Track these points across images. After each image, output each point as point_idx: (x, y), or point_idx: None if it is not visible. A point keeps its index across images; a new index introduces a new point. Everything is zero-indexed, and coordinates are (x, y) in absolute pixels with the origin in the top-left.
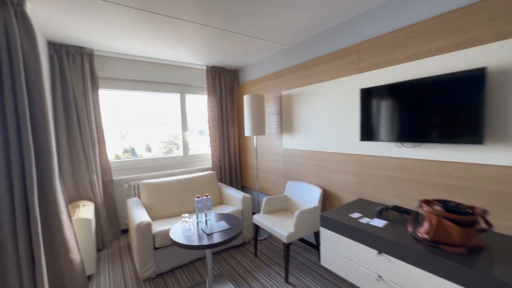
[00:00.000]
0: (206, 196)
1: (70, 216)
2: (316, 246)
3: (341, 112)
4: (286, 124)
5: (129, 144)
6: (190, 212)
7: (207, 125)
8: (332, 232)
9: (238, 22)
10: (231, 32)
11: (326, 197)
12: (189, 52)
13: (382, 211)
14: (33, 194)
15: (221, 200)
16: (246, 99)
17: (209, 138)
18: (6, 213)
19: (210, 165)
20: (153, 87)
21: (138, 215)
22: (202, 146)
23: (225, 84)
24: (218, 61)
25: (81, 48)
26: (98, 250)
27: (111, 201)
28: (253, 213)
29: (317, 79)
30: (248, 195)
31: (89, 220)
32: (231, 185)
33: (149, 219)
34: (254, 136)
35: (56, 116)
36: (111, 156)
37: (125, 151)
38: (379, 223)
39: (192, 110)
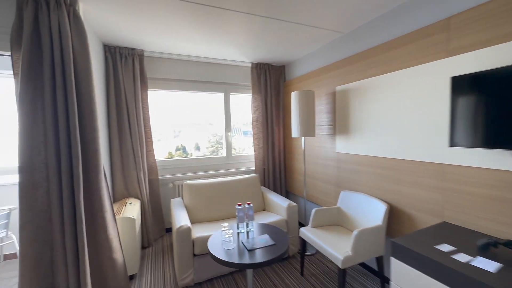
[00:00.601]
0: (248, 204)
1: (114, 215)
2: (378, 273)
3: (418, 108)
4: (340, 124)
5: (181, 143)
6: (231, 217)
7: (251, 125)
8: (409, 266)
9: (287, 8)
10: (280, 20)
11: (394, 215)
12: (235, 48)
13: (488, 246)
14: (79, 192)
15: (263, 206)
16: (294, 96)
17: (252, 139)
18: (56, 209)
19: (253, 167)
20: (198, 87)
21: (179, 217)
22: (246, 147)
23: (270, 82)
24: (264, 57)
25: (133, 49)
26: (143, 247)
27: (156, 199)
28: (299, 223)
29: (382, 69)
30: (294, 204)
31: (133, 219)
32: (274, 190)
33: (189, 223)
34: (302, 138)
35: (109, 116)
36: (164, 154)
37: (177, 149)
38: (487, 264)
39: (237, 109)
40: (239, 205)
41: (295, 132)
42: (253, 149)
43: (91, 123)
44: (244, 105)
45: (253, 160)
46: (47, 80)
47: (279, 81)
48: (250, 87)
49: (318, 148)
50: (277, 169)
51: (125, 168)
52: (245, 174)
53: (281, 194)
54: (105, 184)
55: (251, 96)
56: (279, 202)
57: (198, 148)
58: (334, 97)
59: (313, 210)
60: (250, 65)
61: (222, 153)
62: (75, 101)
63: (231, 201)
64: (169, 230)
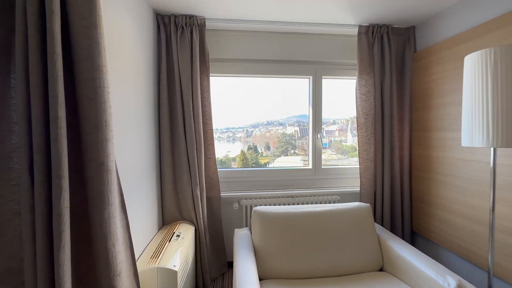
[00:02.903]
0: None
1: (134, 264)
2: None
3: None
4: None
5: (253, 142)
6: (325, 274)
7: (354, 123)
8: None
9: None
10: None
11: None
12: (333, 2)
13: None
14: (61, 218)
15: (381, 262)
16: (471, 60)
17: (356, 145)
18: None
19: (355, 188)
20: (276, 69)
21: (243, 273)
22: (327, 156)
23: (390, 54)
24: (380, 13)
25: (191, 17)
26: None
27: (216, 224)
28: None
29: None
30: None
31: (175, 272)
32: (392, 227)
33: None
34: (491, 150)
35: (160, 110)
36: (236, 152)
37: (249, 148)
38: None
39: (328, 100)
40: None
41: (468, 136)
42: (356, 160)
43: (93, 105)
44: (339, 93)
45: (355, 176)
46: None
47: (403, 53)
48: (357, 65)
49: None
50: (397, 194)
51: (177, 182)
52: (341, 197)
53: (403, 237)
54: (119, 204)
55: (356, 79)
56: (426, 272)
57: (268, 147)
58: None
59: None
60: (356, 29)
61: (306, 162)
62: (58, 68)
63: (327, 245)
64: (232, 264)
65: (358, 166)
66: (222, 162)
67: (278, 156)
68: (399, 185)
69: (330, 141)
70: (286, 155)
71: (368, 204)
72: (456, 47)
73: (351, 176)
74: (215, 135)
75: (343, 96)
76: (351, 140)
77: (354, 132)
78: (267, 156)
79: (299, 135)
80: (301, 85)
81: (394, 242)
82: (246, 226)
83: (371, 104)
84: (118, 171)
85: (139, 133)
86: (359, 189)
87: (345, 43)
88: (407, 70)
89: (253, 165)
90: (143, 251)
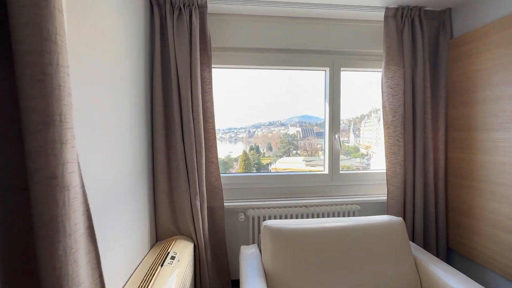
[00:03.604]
0: None
1: None
2: None
3: None
4: None
5: (255, 143)
6: None
7: (356, 124)
8: None
9: None
10: None
11: None
12: None
13: None
14: None
15: None
16: None
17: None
18: None
19: (377, 197)
20: (288, 60)
21: None
22: (361, 158)
23: (423, 41)
24: None
25: None
26: None
27: (219, 238)
28: None
29: None
30: None
31: None
32: (425, 244)
33: None
34: None
35: (153, 106)
36: (238, 152)
37: (251, 149)
38: None
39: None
40: None
41: None
42: (383, 163)
43: (41, 90)
44: (359, 87)
45: (377, 183)
46: None
47: (437, 40)
48: (380, 56)
49: None
50: (431, 205)
51: (173, 191)
52: (361, 207)
53: (438, 255)
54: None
55: (382, 71)
56: None
57: (270, 148)
58: None
59: None
60: (382, 13)
61: (320, 165)
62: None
63: (352, 269)
64: (236, 282)
65: (385, 171)
66: (224, 162)
67: (280, 156)
68: (433, 193)
69: None
70: (288, 155)
71: (401, 219)
72: (492, 36)
73: (373, 182)
74: (218, 136)
75: (345, 95)
76: (354, 140)
77: (357, 132)
78: (269, 156)
79: (301, 136)
80: (309, 82)
81: (437, 268)
82: (254, 242)
83: (400, 99)
84: (85, 185)
85: (122, 133)
86: (383, 197)
87: (368, 29)
88: (441, 60)
89: (255, 165)
90: (127, 281)
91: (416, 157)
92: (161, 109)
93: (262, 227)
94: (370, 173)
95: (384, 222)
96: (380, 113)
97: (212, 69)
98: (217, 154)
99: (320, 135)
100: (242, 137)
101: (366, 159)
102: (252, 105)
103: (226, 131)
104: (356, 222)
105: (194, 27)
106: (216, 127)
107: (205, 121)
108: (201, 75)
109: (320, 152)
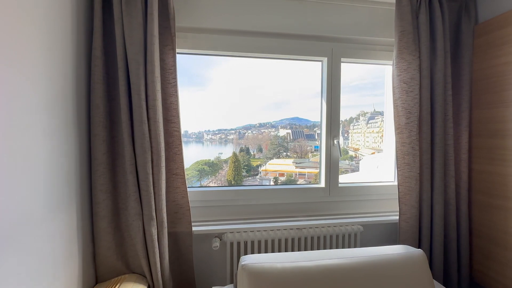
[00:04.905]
0: None
1: None
2: None
3: None
4: None
5: (245, 144)
6: None
7: (345, 126)
8: None
9: None
10: None
11: None
12: None
13: None
14: None
15: None
16: None
17: (394, 156)
18: None
19: (383, 217)
20: (276, 47)
21: None
22: (366, 168)
23: (443, 27)
24: None
25: None
26: None
27: (185, 275)
28: None
29: None
30: None
31: None
32: (445, 276)
33: None
34: None
35: (91, 100)
36: (228, 154)
37: (241, 150)
38: None
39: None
40: None
41: None
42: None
43: None
44: (362, 82)
45: (382, 198)
46: None
47: (459, 26)
48: (395, 43)
49: None
50: (452, 229)
51: (120, 215)
52: (365, 228)
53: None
54: None
55: (393, 63)
56: None
57: (260, 150)
58: None
59: None
60: None
61: (310, 167)
62: None
63: None
64: None
65: (390, 183)
66: (214, 164)
67: (271, 158)
68: (454, 215)
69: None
70: (279, 157)
71: (421, 251)
72: None
73: (376, 197)
74: (207, 137)
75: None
76: (342, 143)
77: (346, 135)
78: (259, 158)
79: (291, 138)
80: (301, 81)
81: None
82: (231, 281)
83: (416, 96)
84: None
85: (27, 143)
86: (391, 216)
87: (375, 13)
88: (465, 50)
89: (245, 167)
90: None
91: (434, 170)
92: (102, 103)
93: (239, 267)
94: (375, 187)
95: (401, 258)
96: (368, 116)
97: (182, 55)
98: (183, 164)
99: (309, 137)
100: (232, 139)
101: (355, 161)
102: (241, 104)
103: (216, 132)
104: (364, 258)
105: None
106: (204, 128)
107: (167, 121)
108: (161, 59)
109: (310, 154)
